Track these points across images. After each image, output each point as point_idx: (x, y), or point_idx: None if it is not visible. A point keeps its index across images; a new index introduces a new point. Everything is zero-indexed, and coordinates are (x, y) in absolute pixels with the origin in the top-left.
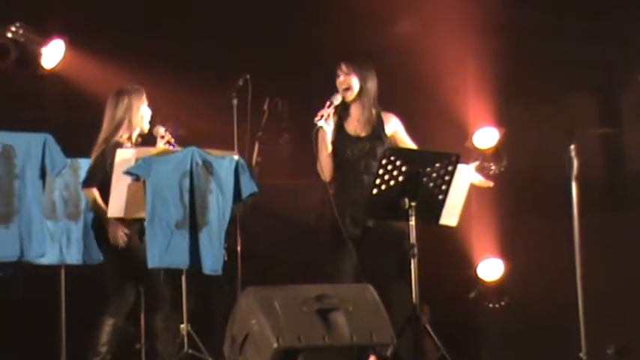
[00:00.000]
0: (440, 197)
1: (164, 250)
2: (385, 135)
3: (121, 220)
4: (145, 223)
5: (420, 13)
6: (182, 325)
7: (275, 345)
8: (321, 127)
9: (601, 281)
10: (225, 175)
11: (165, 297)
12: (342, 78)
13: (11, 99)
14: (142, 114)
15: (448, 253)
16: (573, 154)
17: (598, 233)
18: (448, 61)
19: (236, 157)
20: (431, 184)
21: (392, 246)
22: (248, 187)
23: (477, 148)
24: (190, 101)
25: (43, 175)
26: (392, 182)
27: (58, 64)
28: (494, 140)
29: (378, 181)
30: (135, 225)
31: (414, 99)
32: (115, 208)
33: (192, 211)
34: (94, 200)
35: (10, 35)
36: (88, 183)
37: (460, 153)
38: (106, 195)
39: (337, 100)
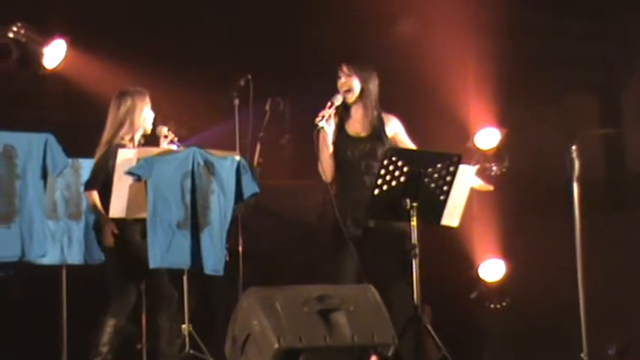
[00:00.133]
0: (441, 198)
1: (165, 250)
2: (386, 136)
3: (122, 221)
4: (147, 224)
5: (421, 13)
6: (183, 326)
7: (276, 345)
8: (321, 127)
9: (602, 281)
10: (226, 175)
11: (172, 297)
12: (343, 79)
13: (12, 99)
14: (144, 116)
15: (449, 253)
16: (574, 154)
17: (599, 233)
18: (449, 61)
19: (237, 158)
20: (432, 185)
21: (393, 246)
22: (249, 187)
23: (478, 149)
24: (191, 101)
25: (44, 175)
26: (393, 183)
27: (59, 64)
28: (496, 141)
29: (379, 182)
30: (137, 225)
31: (415, 100)
32: (117, 208)
33: (193, 211)
34: (94, 204)
35: (11, 35)
36: (89, 186)
37: (461, 153)
38: (107, 195)
39: (338, 100)
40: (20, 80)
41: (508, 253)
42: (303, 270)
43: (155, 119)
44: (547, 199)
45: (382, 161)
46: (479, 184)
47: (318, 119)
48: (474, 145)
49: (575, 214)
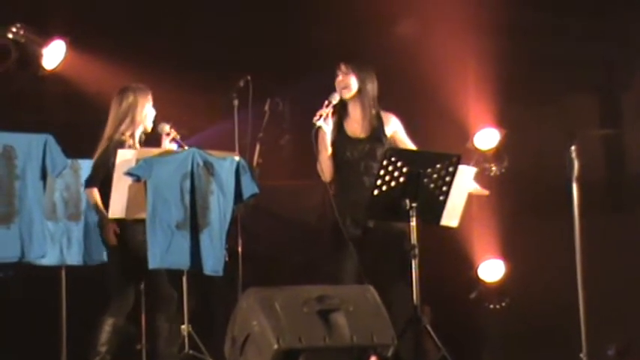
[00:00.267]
0: (441, 198)
1: (165, 251)
2: (385, 136)
3: (123, 221)
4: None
5: (421, 13)
6: (183, 326)
7: (276, 346)
8: (319, 126)
9: (602, 282)
10: (226, 176)
11: (171, 298)
12: (340, 77)
13: (12, 100)
14: (145, 113)
15: (449, 253)
16: (574, 154)
17: (599, 234)
18: (449, 61)
19: (237, 158)
20: (432, 185)
21: (393, 247)
22: (249, 187)
23: (477, 149)
24: (191, 101)
25: (43, 175)
26: (393, 183)
27: (58, 64)
28: (495, 141)
29: (378, 182)
30: (139, 226)
31: (414, 100)
32: (116, 208)
33: (193, 211)
34: (95, 202)
35: (10, 36)
36: (90, 183)
37: (461, 154)
38: (108, 194)
39: (335, 99)
40: (19, 81)
41: (507, 253)
42: (303, 270)
43: (156, 117)
44: (546, 199)
45: (381, 162)
46: (474, 188)
47: (315, 118)
48: (474, 145)
49: (575, 214)
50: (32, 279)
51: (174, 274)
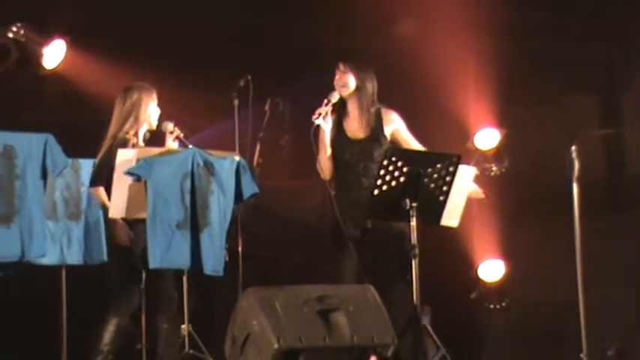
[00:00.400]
0: (441, 198)
1: (165, 251)
2: (384, 136)
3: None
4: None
5: (421, 13)
6: (183, 326)
7: (276, 345)
8: (318, 125)
9: (602, 282)
10: (226, 175)
11: (172, 298)
12: (338, 76)
13: (12, 99)
14: (150, 111)
15: (449, 253)
16: (574, 154)
17: (599, 234)
18: (449, 61)
19: (237, 158)
20: (432, 185)
21: (392, 247)
22: (249, 187)
23: (478, 149)
24: (191, 101)
25: (44, 175)
26: (393, 183)
27: (59, 64)
28: (495, 141)
29: (379, 182)
30: (140, 225)
31: (415, 100)
32: (117, 208)
33: (193, 211)
34: (102, 201)
35: (11, 35)
36: (94, 183)
37: (461, 154)
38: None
39: (334, 97)
40: (20, 80)
41: (508, 253)
42: (303, 270)
43: (160, 116)
44: (547, 199)
45: (382, 161)
46: (473, 189)
47: (314, 117)
48: (474, 145)
49: (575, 214)
50: (32, 278)
51: (175, 274)
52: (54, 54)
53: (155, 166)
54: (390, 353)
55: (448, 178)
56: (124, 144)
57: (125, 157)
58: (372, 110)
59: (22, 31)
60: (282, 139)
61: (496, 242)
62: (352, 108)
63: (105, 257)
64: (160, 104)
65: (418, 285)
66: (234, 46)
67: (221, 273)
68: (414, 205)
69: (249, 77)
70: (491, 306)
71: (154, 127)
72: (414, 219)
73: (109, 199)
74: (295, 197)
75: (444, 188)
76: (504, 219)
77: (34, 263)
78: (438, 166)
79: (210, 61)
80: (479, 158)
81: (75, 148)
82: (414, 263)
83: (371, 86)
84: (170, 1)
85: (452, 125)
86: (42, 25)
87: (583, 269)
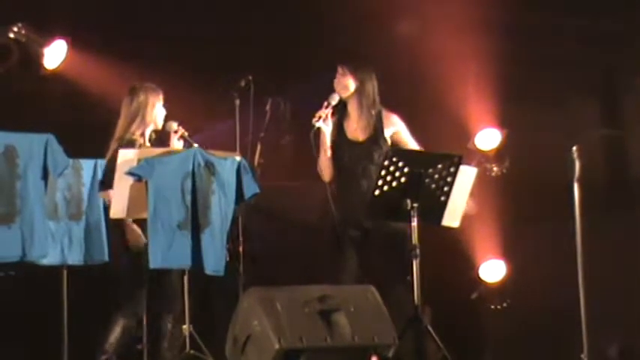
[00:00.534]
0: (442, 198)
1: (166, 251)
2: (384, 139)
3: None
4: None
5: (422, 13)
6: (184, 326)
7: (277, 346)
8: (318, 128)
9: (603, 282)
10: (227, 176)
11: (177, 298)
12: (337, 79)
13: (13, 99)
14: (156, 112)
15: (450, 254)
16: (575, 155)
17: (600, 234)
18: (450, 62)
19: (238, 158)
20: (433, 186)
21: (393, 247)
22: (250, 187)
23: (479, 149)
24: (192, 101)
25: (45, 175)
26: (394, 183)
27: (60, 64)
28: (496, 141)
29: (380, 182)
30: (143, 226)
31: (415, 100)
32: (118, 208)
33: (194, 211)
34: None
35: (12, 36)
36: (104, 186)
37: (462, 154)
38: None
39: (334, 100)
40: (21, 81)
41: (509, 253)
42: (304, 270)
43: (165, 116)
44: (547, 199)
45: (383, 162)
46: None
47: (314, 119)
48: (475, 145)
49: (576, 214)
50: (33, 279)
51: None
52: (55, 54)
53: (156, 167)
54: (390, 354)
55: (449, 179)
56: (131, 145)
57: (126, 158)
58: (373, 112)
59: (23, 32)
60: (283, 140)
61: (497, 243)
62: (352, 109)
63: (106, 257)
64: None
65: (419, 285)
66: (234, 46)
67: (222, 273)
68: (415, 205)
69: (250, 77)
70: (492, 306)
71: (160, 127)
72: (415, 219)
73: None
74: (296, 197)
75: (445, 189)
76: (505, 219)
77: (36, 263)
78: (439, 166)
79: (212, 62)
80: (480, 158)
81: (76, 149)
82: (415, 264)
83: (371, 87)
84: (171, 1)
85: (453, 125)
86: (43, 26)
87: (584, 269)
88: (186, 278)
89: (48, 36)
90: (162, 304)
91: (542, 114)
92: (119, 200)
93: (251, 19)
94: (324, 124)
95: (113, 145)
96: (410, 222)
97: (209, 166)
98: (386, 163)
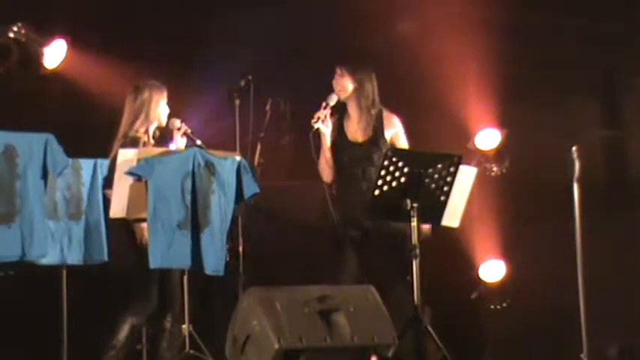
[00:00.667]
0: (442, 198)
1: (166, 250)
2: (384, 140)
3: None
4: (147, 223)
5: (422, 14)
6: (184, 326)
7: (276, 346)
8: (317, 128)
9: (603, 283)
10: (227, 175)
11: (178, 297)
12: (335, 79)
13: (13, 99)
14: (160, 109)
15: (450, 254)
16: (575, 155)
17: (599, 235)
18: (449, 62)
19: (238, 158)
20: (433, 185)
21: (393, 247)
22: (250, 187)
23: (478, 149)
24: (191, 101)
25: (44, 175)
26: (394, 183)
27: (60, 64)
28: (496, 141)
29: (379, 182)
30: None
31: (415, 100)
32: (117, 208)
33: (194, 211)
34: None
35: (12, 35)
36: (108, 185)
37: (462, 154)
38: None
39: (333, 100)
40: (21, 80)
41: (508, 253)
42: (304, 270)
43: (169, 113)
44: (547, 200)
45: (382, 162)
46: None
47: (313, 120)
48: (475, 145)
49: (576, 215)
50: (33, 278)
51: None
52: (55, 54)
53: (156, 166)
54: (390, 354)
55: (449, 179)
56: (135, 143)
57: (126, 157)
58: (373, 112)
59: (22, 31)
60: (283, 140)
61: (497, 242)
62: (352, 110)
63: (105, 257)
64: None
65: (419, 285)
66: (234, 46)
67: (222, 273)
68: (414, 205)
69: (250, 77)
70: (492, 306)
71: (164, 124)
72: (415, 219)
73: None
74: (296, 197)
75: (445, 188)
76: (505, 219)
77: (35, 263)
78: (439, 166)
79: (212, 62)
80: (480, 158)
81: (76, 148)
82: (415, 264)
83: (370, 87)
84: (171, 1)
85: (453, 125)
86: (43, 25)
87: (583, 269)
88: (185, 278)
89: (48, 35)
90: (165, 304)
91: (542, 114)
92: (119, 200)
93: (251, 19)
94: (323, 125)
95: (117, 143)
96: (410, 222)
97: (209, 166)
98: (385, 163)
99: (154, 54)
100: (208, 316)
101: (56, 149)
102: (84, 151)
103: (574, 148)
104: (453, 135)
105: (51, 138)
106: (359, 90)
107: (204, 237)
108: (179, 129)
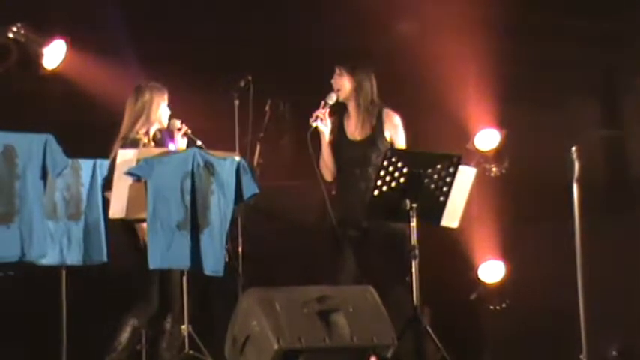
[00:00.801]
0: (441, 199)
1: (165, 251)
2: (383, 139)
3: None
4: (146, 224)
5: (422, 14)
6: (183, 326)
7: (276, 346)
8: (316, 127)
9: (602, 283)
10: (226, 176)
11: (178, 297)
12: (334, 79)
13: (12, 99)
14: (161, 111)
15: (449, 254)
16: (574, 156)
17: (599, 235)
18: (449, 62)
19: (237, 159)
20: (432, 186)
21: (392, 247)
22: (249, 188)
23: (478, 150)
24: (191, 101)
25: (44, 175)
26: (393, 183)
27: (59, 64)
28: (496, 142)
29: (379, 183)
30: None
31: (415, 100)
32: (117, 208)
33: (193, 212)
34: None
35: (11, 36)
36: (109, 187)
37: (461, 154)
38: None
39: (332, 99)
40: (20, 81)
41: (508, 254)
42: (303, 270)
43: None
44: (547, 200)
45: (382, 162)
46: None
47: (311, 119)
48: (474, 146)
49: (575, 215)
50: (32, 279)
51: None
52: (54, 54)
53: (155, 167)
54: (389, 354)
55: (448, 179)
56: (135, 144)
57: (125, 158)
58: (373, 111)
59: (22, 32)
60: (283, 140)
61: (496, 243)
62: (352, 109)
63: (105, 258)
64: None
65: (418, 286)
66: (234, 46)
67: (221, 273)
68: (414, 205)
69: (250, 77)
70: (491, 307)
71: (165, 126)
72: (414, 220)
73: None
74: (296, 198)
75: (444, 189)
76: (504, 220)
77: (34, 263)
78: (438, 166)
79: (212, 62)
80: (479, 159)
81: (75, 149)
82: (414, 264)
83: (369, 87)
84: (171, 1)
85: (452, 126)
86: (42, 26)
87: (583, 270)
88: (185, 278)
89: (47, 36)
90: (163, 304)
91: (541, 114)
92: (118, 200)
93: (251, 19)
94: (322, 124)
95: (117, 145)
96: (409, 222)
97: (208, 167)
98: (385, 163)
99: (154, 54)
100: (208, 316)
101: (56, 150)
102: (83, 151)
103: (574, 149)
104: (453, 135)
105: (50, 138)
106: (358, 89)
107: (204, 237)
108: (179, 129)
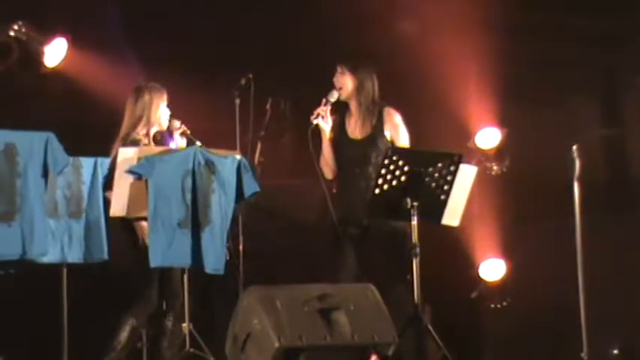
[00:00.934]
0: (442, 197)
1: (166, 249)
2: (383, 138)
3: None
4: (147, 222)
5: (422, 13)
6: (184, 325)
7: (277, 344)
8: (316, 125)
9: (603, 282)
10: (227, 174)
11: (180, 295)
12: (335, 78)
13: (14, 98)
14: (161, 112)
15: (450, 253)
16: (575, 154)
17: (600, 234)
18: (450, 61)
19: (238, 157)
20: (433, 184)
21: (393, 246)
22: (250, 186)
23: (479, 148)
24: (191, 101)
25: (45, 173)
26: (394, 182)
27: (60, 62)
28: (497, 140)
29: (380, 181)
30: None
31: (416, 99)
32: (118, 207)
33: (194, 210)
34: None
35: (12, 34)
36: (108, 187)
37: (462, 153)
38: None
39: (333, 97)
40: (21, 79)
41: (509, 252)
42: (304, 269)
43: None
44: (548, 199)
45: (383, 160)
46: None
47: (312, 117)
48: (475, 144)
49: (576, 214)
50: (33, 277)
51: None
52: (55, 52)
53: (156, 165)
54: (390, 352)
55: (449, 178)
56: (136, 145)
57: (126, 156)
58: (374, 110)
59: (23, 30)
60: (284, 138)
61: (497, 241)
62: (353, 108)
63: (105, 256)
64: None
65: (419, 284)
66: (235, 45)
67: (222, 272)
68: (414, 204)
69: (251, 76)
70: (492, 305)
71: (165, 127)
72: (415, 218)
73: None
74: (296, 196)
75: (445, 187)
76: (505, 218)
77: (35, 261)
78: (439, 165)
79: (212, 60)
80: (480, 157)
81: (76, 147)
82: (415, 262)
83: (370, 86)
84: (171, 0)
85: (453, 124)
86: (43, 24)
87: (584, 268)
88: (186, 277)
89: (48, 34)
90: (167, 302)
91: (542, 113)
92: (119, 199)
93: (251, 18)
94: (323, 121)
95: (117, 145)
96: (410, 221)
97: (209, 165)
98: (386, 161)
99: (154, 53)
100: (209, 314)
101: (57, 148)
102: (84, 149)
103: (574, 147)
104: (454, 134)
105: (51, 136)
106: (360, 88)
107: (205, 236)
108: (178, 129)
